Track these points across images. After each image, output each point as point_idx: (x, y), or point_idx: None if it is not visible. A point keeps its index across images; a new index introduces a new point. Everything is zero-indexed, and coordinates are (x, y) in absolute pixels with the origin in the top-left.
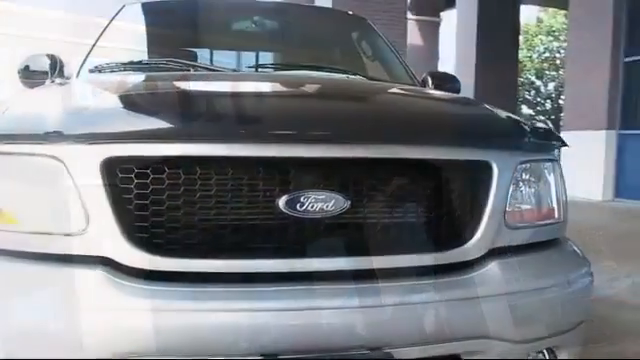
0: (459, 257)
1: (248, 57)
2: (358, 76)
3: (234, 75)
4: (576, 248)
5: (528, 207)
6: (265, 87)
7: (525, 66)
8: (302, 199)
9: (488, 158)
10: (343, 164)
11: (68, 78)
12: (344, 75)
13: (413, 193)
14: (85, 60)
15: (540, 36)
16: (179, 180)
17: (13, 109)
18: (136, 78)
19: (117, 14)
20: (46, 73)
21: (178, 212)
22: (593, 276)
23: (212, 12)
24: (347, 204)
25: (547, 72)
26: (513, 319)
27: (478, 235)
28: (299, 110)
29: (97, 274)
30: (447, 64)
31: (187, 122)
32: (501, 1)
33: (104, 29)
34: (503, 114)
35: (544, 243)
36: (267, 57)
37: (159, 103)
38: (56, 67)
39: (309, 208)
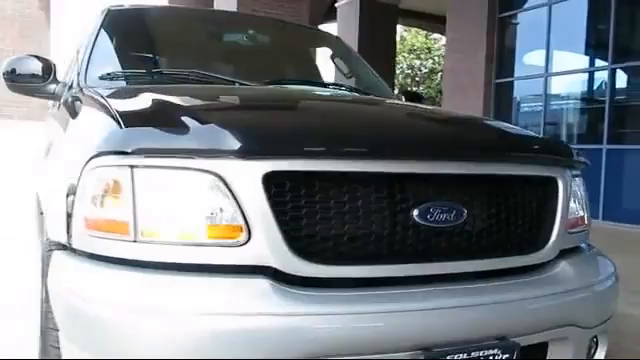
0: (543, 258)
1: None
2: (359, 92)
3: (289, 91)
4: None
5: (575, 215)
6: (353, 107)
7: None
8: (431, 210)
9: (555, 174)
10: (460, 179)
11: (67, 85)
12: (348, 91)
13: (508, 204)
14: (87, 67)
15: (403, 54)
16: (332, 194)
17: (138, 120)
18: (203, 90)
19: (105, 18)
20: (36, 77)
21: (332, 223)
22: None
23: (205, 25)
24: (464, 214)
25: (409, 88)
26: (585, 308)
27: (553, 239)
28: (419, 131)
29: (262, 282)
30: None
31: (337, 141)
32: (380, 18)
33: (97, 34)
34: (546, 136)
35: (582, 247)
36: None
37: (299, 119)
38: (51, 71)
39: (437, 218)
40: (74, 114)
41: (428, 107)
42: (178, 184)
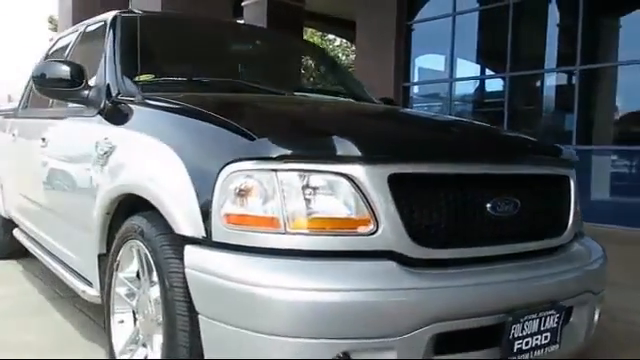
0: (565, 240)
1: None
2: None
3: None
4: None
5: (576, 206)
6: (417, 118)
7: None
8: (498, 203)
9: (568, 173)
10: (514, 178)
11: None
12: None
13: (543, 197)
14: (120, 76)
15: None
16: (439, 191)
17: (266, 130)
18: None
19: (120, 25)
20: (64, 81)
21: (442, 214)
22: None
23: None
24: (518, 206)
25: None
26: (596, 278)
27: (570, 224)
28: (488, 141)
29: (389, 264)
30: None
31: (442, 149)
32: (287, 19)
33: (116, 41)
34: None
35: (581, 231)
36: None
37: (405, 131)
38: (82, 76)
39: (502, 209)
40: (159, 123)
41: (448, 116)
42: (316, 184)
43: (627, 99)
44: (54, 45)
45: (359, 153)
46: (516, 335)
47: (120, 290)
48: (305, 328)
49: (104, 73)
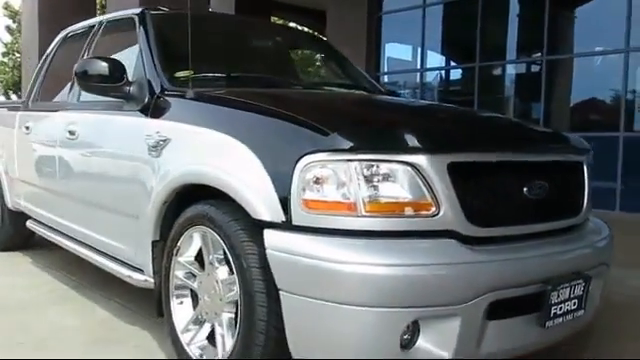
0: (582, 219)
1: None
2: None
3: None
4: None
5: (589, 189)
6: (454, 110)
7: None
8: (532, 187)
9: (583, 159)
10: (543, 164)
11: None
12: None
13: (565, 181)
14: (160, 72)
15: None
16: (490, 176)
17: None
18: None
19: (145, 20)
20: (104, 77)
21: (490, 197)
22: None
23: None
24: (547, 189)
25: None
26: (608, 252)
27: (585, 205)
28: (522, 131)
29: (451, 241)
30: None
31: (489, 139)
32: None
33: (147, 36)
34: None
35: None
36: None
37: (456, 124)
38: (122, 72)
39: (536, 193)
40: (222, 117)
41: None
42: (384, 172)
43: (590, 87)
44: (64, 40)
45: (422, 144)
46: (553, 302)
47: (179, 273)
48: (381, 299)
49: (143, 69)
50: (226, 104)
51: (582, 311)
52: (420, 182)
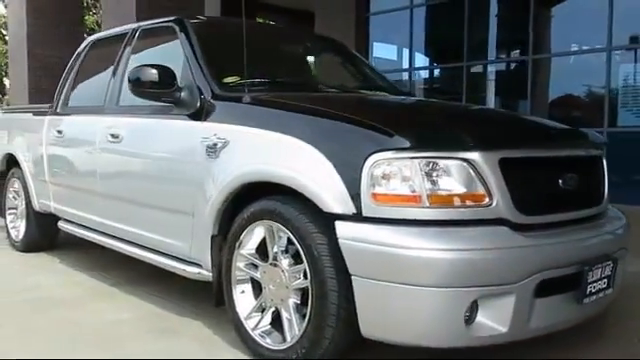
0: (604, 208)
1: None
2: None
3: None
4: None
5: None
6: (492, 111)
7: None
8: (566, 179)
9: (601, 154)
10: (574, 159)
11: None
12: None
13: (590, 173)
14: (210, 79)
15: None
16: (534, 170)
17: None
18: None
19: (186, 27)
20: (154, 83)
21: (534, 188)
22: None
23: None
24: (578, 181)
25: None
26: (628, 238)
27: (606, 195)
28: (555, 129)
29: (503, 228)
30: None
31: (533, 137)
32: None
33: (190, 43)
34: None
35: None
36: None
37: (503, 124)
38: (173, 79)
39: (569, 184)
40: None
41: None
42: (444, 168)
43: (575, 85)
44: (91, 48)
45: (476, 142)
46: (589, 280)
47: (240, 264)
48: (447, 279)
49: (191, 75)
50: (283, 107)
51: (610, 289)
52: (475, 176)
